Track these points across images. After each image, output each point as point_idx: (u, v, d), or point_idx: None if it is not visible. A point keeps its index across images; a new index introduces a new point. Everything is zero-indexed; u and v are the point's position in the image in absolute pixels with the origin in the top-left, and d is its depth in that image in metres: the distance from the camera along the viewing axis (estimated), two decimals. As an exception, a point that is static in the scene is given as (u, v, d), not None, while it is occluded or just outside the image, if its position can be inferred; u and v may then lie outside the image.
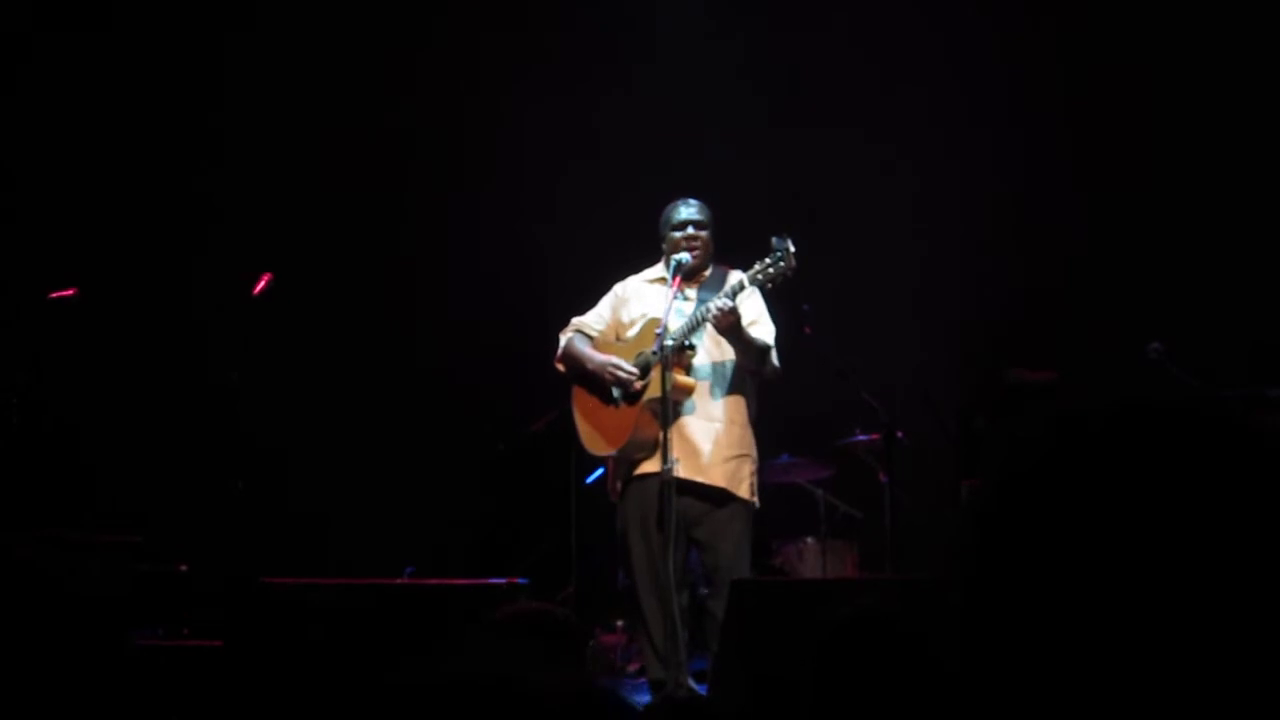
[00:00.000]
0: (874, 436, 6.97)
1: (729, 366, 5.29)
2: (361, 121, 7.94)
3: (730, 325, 5.01)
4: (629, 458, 5.27)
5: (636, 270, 5.64)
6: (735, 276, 5.18)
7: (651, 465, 5.16)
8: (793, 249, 4.87)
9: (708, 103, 7.86)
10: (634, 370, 5.24)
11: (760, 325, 5.26)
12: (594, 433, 5.42)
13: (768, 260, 4.94)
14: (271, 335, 6.84)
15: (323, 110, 7.86)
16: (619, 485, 5.36)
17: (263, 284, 6.35)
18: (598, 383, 5.37)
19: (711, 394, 5.25)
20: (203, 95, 7.72)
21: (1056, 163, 7.55)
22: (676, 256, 5.24)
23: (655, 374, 5.09)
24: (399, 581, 5.87)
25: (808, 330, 6.02)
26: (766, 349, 5.24)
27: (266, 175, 7.77)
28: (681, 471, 4.98)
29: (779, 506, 6.75)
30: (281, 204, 7.79)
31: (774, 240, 4.92)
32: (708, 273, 5.42)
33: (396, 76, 7.95)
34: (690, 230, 5.37)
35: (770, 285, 5.01)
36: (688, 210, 5.43)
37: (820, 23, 7.93)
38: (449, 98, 8.04)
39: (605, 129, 7.94)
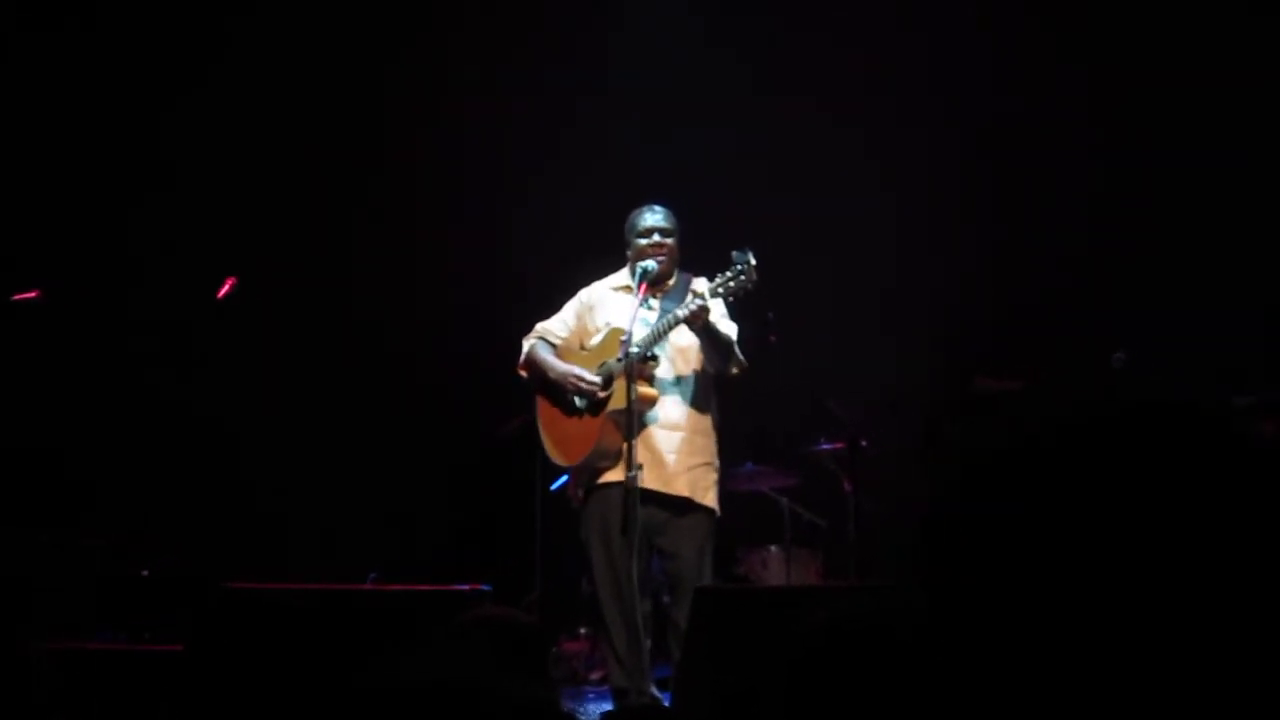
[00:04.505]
0: (838, 445, 7.01)
1: (692, 376, 5.29)
2: (328, 122, 7.92)
3: (703, 324, 5.03)
4: (592, 466, 5.27)
5: (603, 274, 5.63)
6: (699, 285, 5.21)
7: (615, 474, 5.15)
8: (754, 262, 4.88)
9: (678, 107, 7.87)
10: (596, 381, 5.23)
11: (723, 323, 5.27)
12: (558, 442, 5.40)
13: (729, 273, 4.95)
14: (236, 337, 6.82)
15: (289, 112, 7.84)
16: (581, 493, 5.36)
17: (227, 288, 6.32)
18: (560, 392, 5.38)
19: (674, 403, 5.24)
20: (167, 92, 7.70)
21: (1024, 171, 7.59)
22: (643, 264, 5.25)
23: (619, 384, 5.09)
24: (362, 587, 5.86)
25: (773, 338, 6.04)
26: (732, 344, 5.26)
27: (232, 176, 7.75)
28: (646, 481, 4.99)
29: (743, 515, 6.77)
30: (247, 205, 7.78)
31: (734, 254, 4.93)
32: (672, 281, 5.42)
33: (362, 78, 7.93)
34: (656, 238, 5.37)
35: (732, 298, 5.03)
36: (654, 217, 5.43)
37: (795, 22, 7.94)
38: (417, 99, 8.04)
39: (575, 130, 7.95)
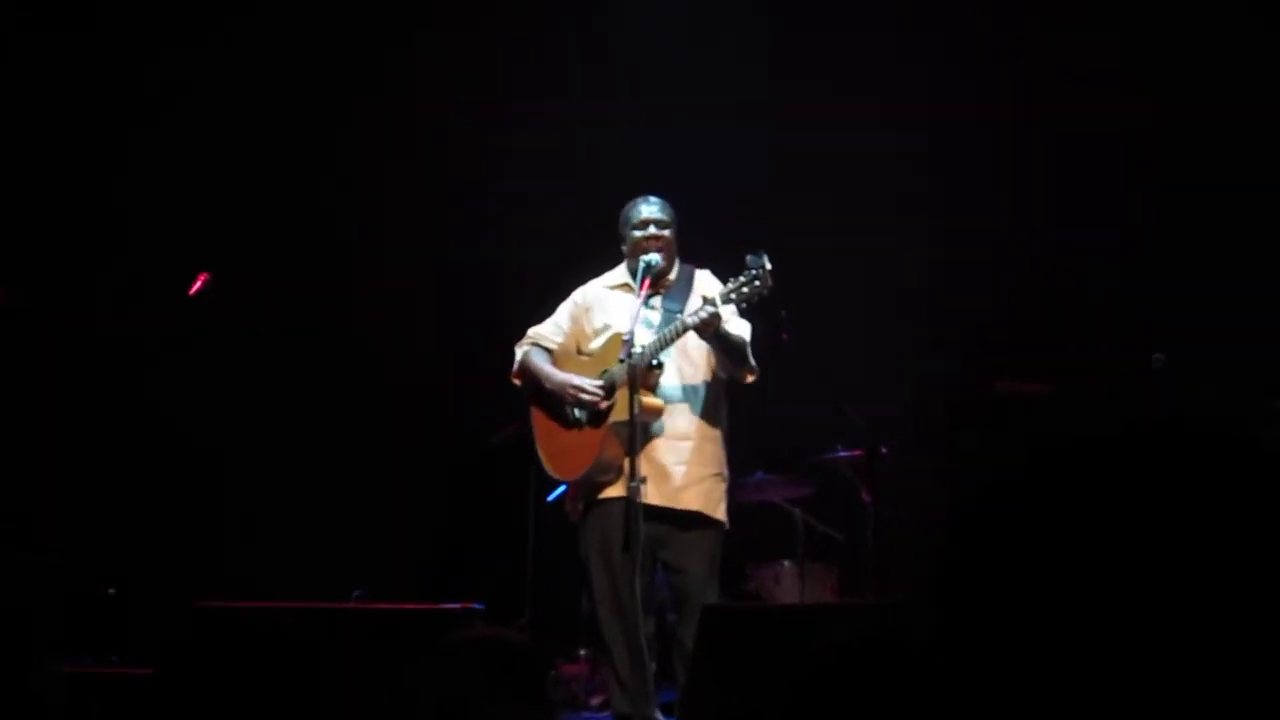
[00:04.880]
0: (856, 452, 7.01)
1: (700, 383, 5.29)
2: (315, 121, 7.96)
3: (713, 331, 5.01)
4: (592, 481, 5.26)
5: (597, 273, 5.62)
6: (702, 277, 5.21)
7: (617, 489, 5.15)
8: (769, 266, 4.83)
9: (675, 96, 7.89)
10: (598, 390, 5.22)
11: (734, 323, 5.23)
12: (556, 456, 5.39)
13: (742, 278, 4.90)
14: (212, 339, 6.83)
15: (273, 108, 7.89)
16: (580, 506, 5.36)
17: (199, 284, 6.31)
18: (558, 403, 5.37)
19: (681, 412, 5.24)
20: (135, 78, 7.74)
21: (1050, 160, 7.60)
22: (645, 259, 5.22)
23: (620, 394, 5.08)
24: (346, 606, 5.87)
25: (785, 337, 6.05)
26: (746, 346, 5.25)
27: (211, 173, 7.79)
28: (650, 496, 4.98)
29: (753, 527, 6.77)
30: (226, 200, 7.82)
31: (749, 258, 4.87)
32: (673, 275, 5.42)
33: (350, 77, 7.99)
34: (652, 230, 5.36)
35: (745, 306, 4.99)
36: (649, 208, 5.42)
37: (810, 11, 7.96)
38: (405, 96, 8.09)
39: (573, 123, 7.97)
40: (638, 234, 5.38)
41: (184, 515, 6.95)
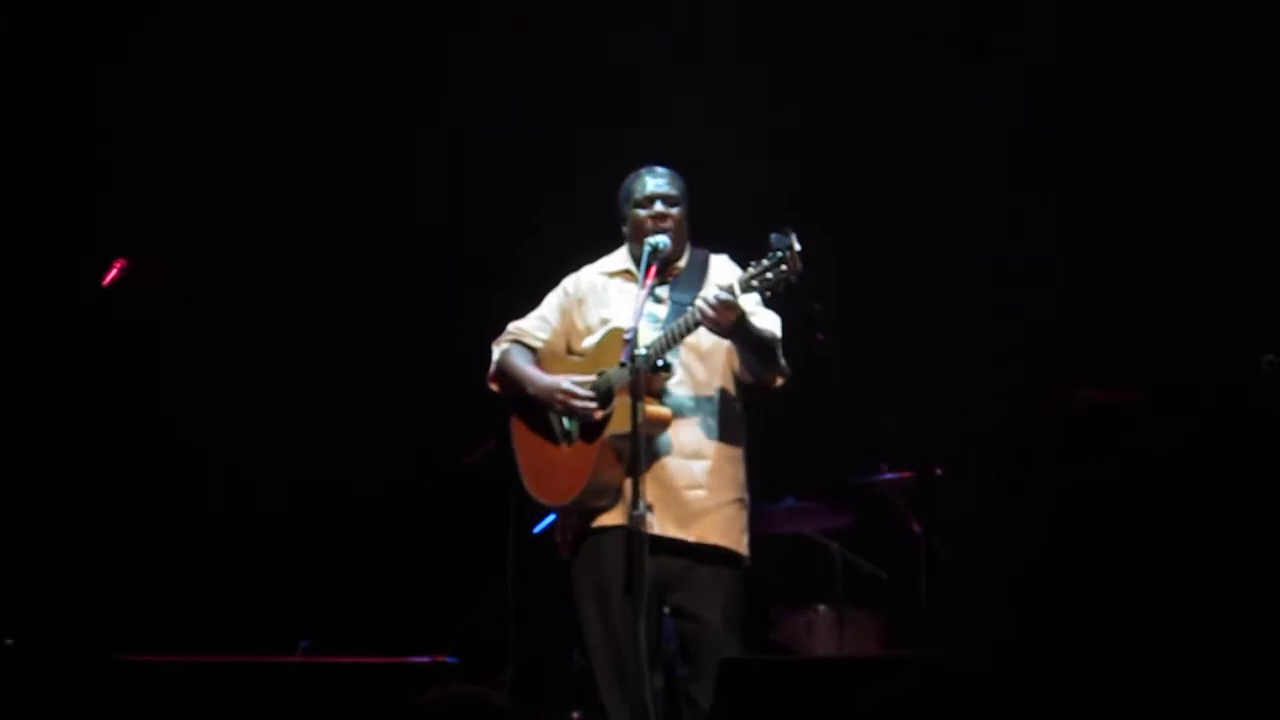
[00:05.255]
0: (904, 474, 7.02)
1: (715, 390, 5.27)
2: (275, 112, 8.05)
3: (730, 324, 4.97)
4: (584, 506, 5.23)
5: (592, 257, 5.59)
6: (719, 264, 5.21)
7: (613, 516, 5.14)
8: (798, 247, 4.77)
9: (688, 61, 7.92)
10: (591, 396, 5.19)
11: (760, 315, 5.21)
12: (541, 477, 5.36)
13: (765, 261, 4.83)
14: (137, 345, 6.86)
15: (238, 97, 8.00)
16: (571, 539, 5.32)
17: (114, 272, 6.29)
18: (544, 411, 5.36)
19: (693, 424, 5.20)
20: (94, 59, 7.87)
21: (1140, 130, 7.59)
22: (651, 240, 5.18)
23: (619, 401, 5.04)
24: (292, 659, 5.88)
25: (820, 338, 6.03)
26: (776, 342, 5.23)
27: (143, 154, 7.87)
28: (657, 526, 4.98)
29: (781, 564, 6.81)
30: (179, 190, 7.92)
31: (773, 236, 4.81)
32: (683, 262, 5.40)
33: (331, 62, 8.11)
34: (659, 207, 5.33)
35: (769, 292, 4.94)
36: (655, 181, 5.39)
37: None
38: (378, 79, 8.19)
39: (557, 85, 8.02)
40: (641, 213, 5.36)
41: (102, 551, 6.97)
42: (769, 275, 4.84)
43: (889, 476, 7.12)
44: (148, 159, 7.84)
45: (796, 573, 7.38)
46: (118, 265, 6.37)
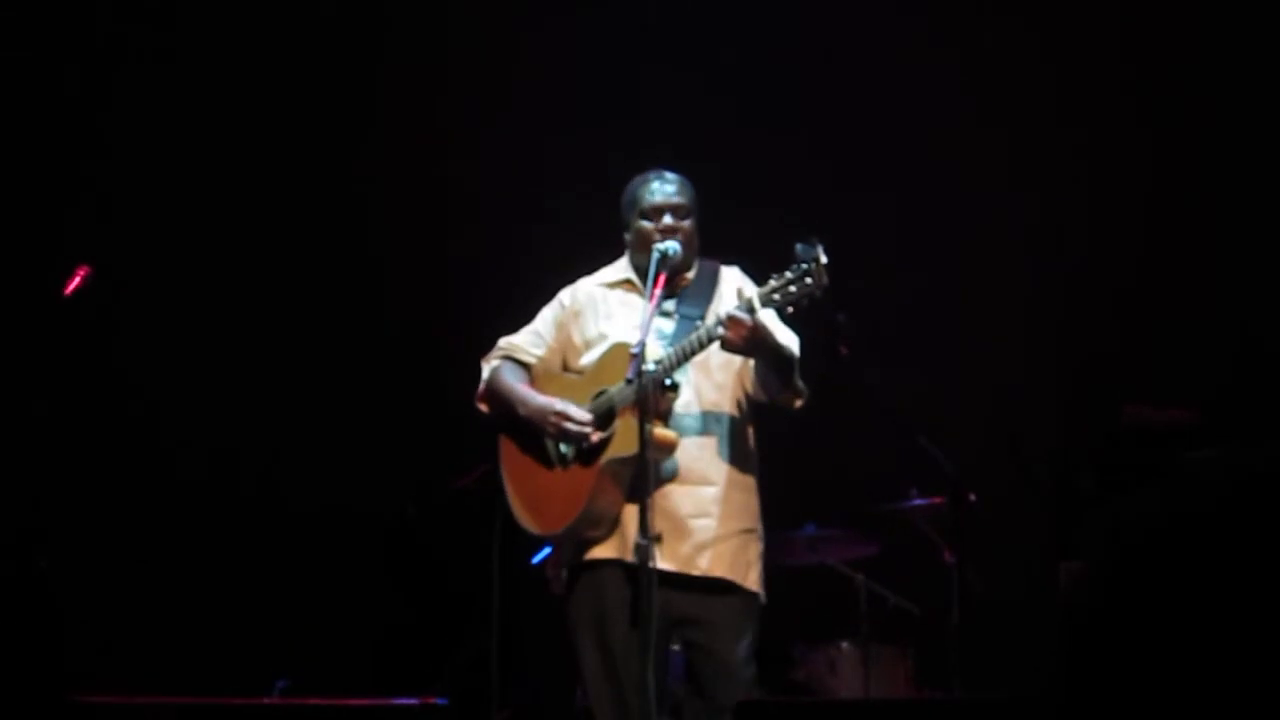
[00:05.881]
0: (936, 500, 6.99)
1: (725, 412, 5.23)
2: (266, 129, 8.20)
3: (748, 342, 4.92)
4: (577, 536, 5.17)
5: (590, 269, 5.55)
6: (730, 276, 5.15)
7: (608, 549, 5.09)
8: (824, 260, 4.74)
9: (705, 55, 7.92)
10: (587, 418, 5.13)
11: (779, 331, 5.15)
12: (533, 504, 5.31)
13: (789, 274, 4.81)
14: (103, 363, 6.85)
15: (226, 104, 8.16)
16: (564, 574, 5.28)
17: (77, 280, 6.27)
18: (536, 434, 5.29)
19: (700, 448, 5.16)
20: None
21: (1190, 131, 7.57)
22: (660, 246, 5.12)
23: (620, 423, 5.01)
24: (267, 701, 5.86)
25: (844, 351, 6.00)
26: (795, 360, 5.16)
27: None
28: (663, 560, 4.90)
29: (802, 598, 6.77)
30: (167, 207, 8.12)
31: (798, 247, 4.77)
32: (691, 273, 5.35)
33: (330, 72, 8.28)
34: (668, 219, 5.27)
35: (792, 308, 4.86)
36: (663, 189, 5.33)
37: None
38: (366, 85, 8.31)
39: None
40: (648, 225, 5.30)
41: (55, 581, 6.92)
42: (792, 289, 4.79)
43: (919, 502, 7.15)
44: (128, 170, 8.02)
45: (818, 606, 7.37)
46: (81, 272, 6.35)
